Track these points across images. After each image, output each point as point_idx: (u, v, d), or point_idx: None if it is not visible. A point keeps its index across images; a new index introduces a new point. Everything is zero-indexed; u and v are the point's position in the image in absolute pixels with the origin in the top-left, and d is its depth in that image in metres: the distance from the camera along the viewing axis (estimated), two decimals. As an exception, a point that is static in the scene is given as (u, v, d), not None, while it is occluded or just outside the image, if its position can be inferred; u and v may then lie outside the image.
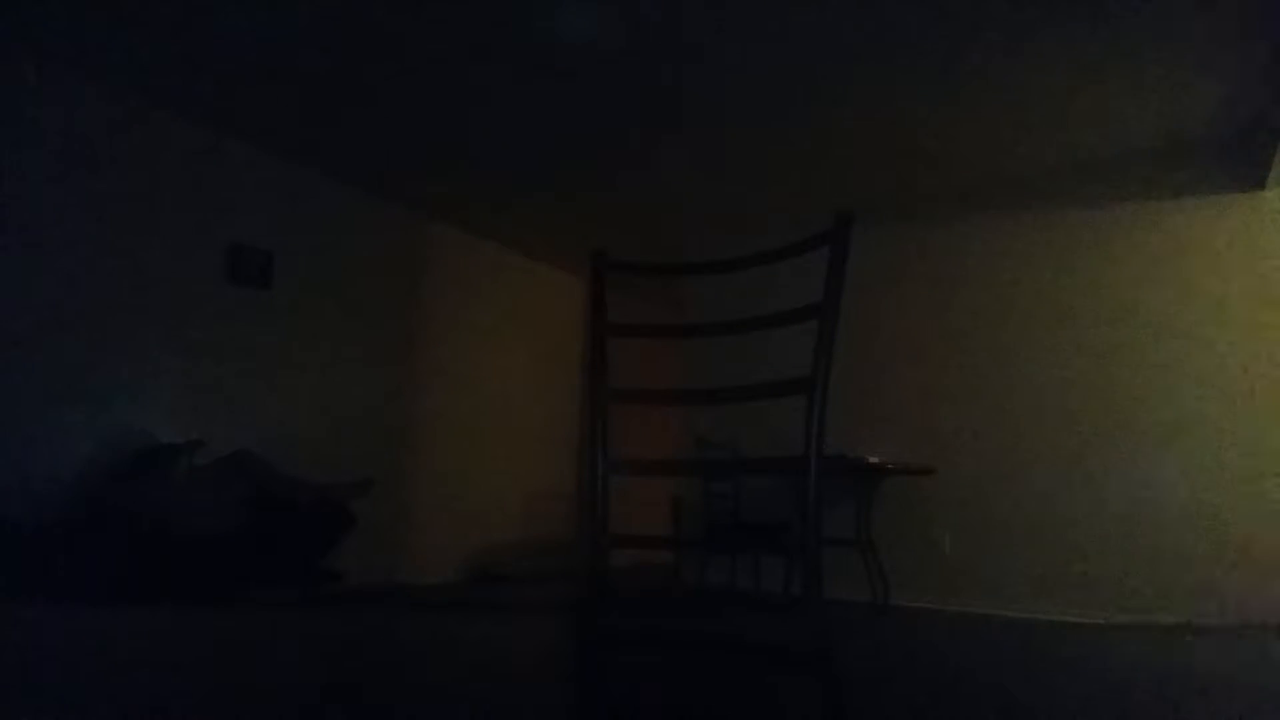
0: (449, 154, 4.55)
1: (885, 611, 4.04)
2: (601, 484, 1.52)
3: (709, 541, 4.77)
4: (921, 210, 4.84)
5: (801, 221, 1.82)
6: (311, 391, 4.58)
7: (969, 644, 3.32)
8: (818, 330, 1.41)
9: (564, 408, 6.38)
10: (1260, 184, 3.89)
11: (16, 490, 3.29)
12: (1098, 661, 2.89)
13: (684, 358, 5.34)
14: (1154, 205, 4.18)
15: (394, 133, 4.33)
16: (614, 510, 1.57)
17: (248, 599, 3.47)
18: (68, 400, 3.61)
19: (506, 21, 3.30)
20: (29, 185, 3.59)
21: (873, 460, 4.12)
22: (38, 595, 3.02)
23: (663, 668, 2.24)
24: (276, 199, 4.55)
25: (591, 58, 3.55)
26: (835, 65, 3.56)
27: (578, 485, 6.28)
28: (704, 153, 4.47)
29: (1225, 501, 3.77)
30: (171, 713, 1.64)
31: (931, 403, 4.63)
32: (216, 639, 2.68)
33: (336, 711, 1.74)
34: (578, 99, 3.92)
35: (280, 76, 3.77)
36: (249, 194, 4.40)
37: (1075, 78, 3.57)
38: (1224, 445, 3.83)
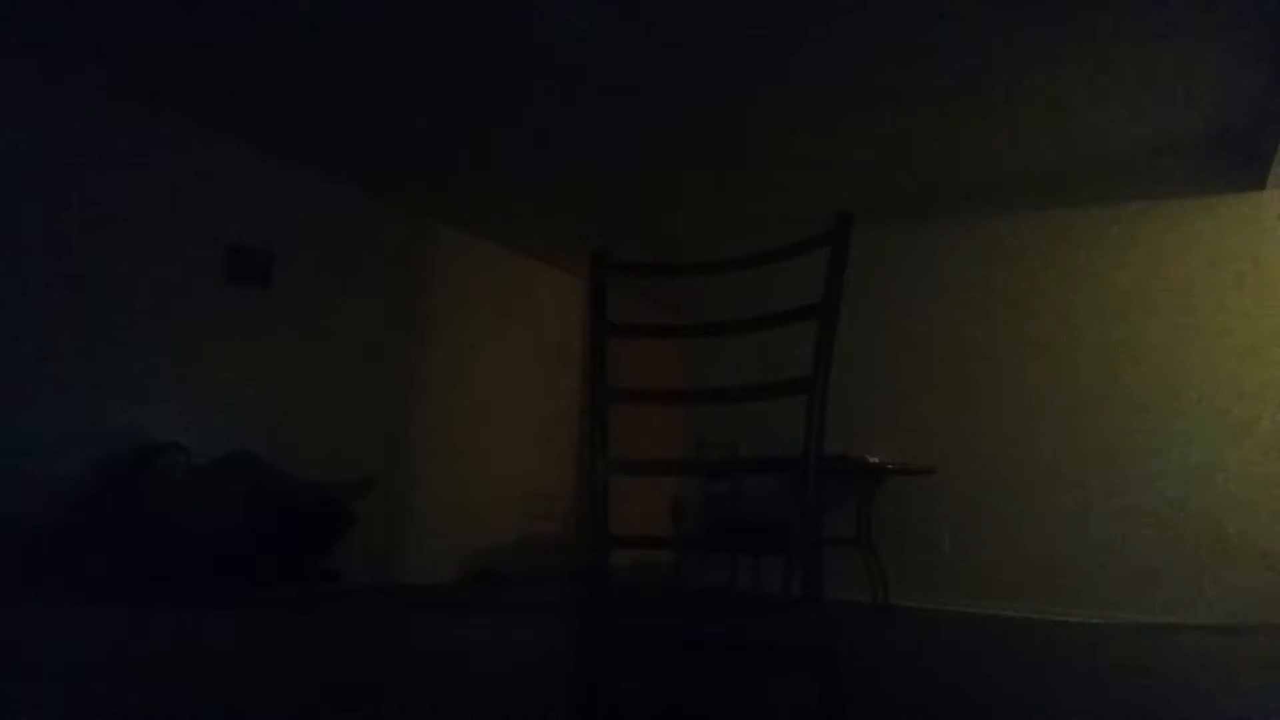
0: (449, 154, 4.55)
1: (885, 611, 4.04)
2: (601, 484, 1.52)
3: (709, 541, 4.77)
4: (922, 210, 4.84)
5: (802, 221, 1.82)
6: (311, 391, 4.58)
7: (969, 644, 3.31)
8: (817, 330, 1.41)
9: (564, 408, 6.38)
10: (1260, 184, 3.89)
11: (16, 490, 3.29)
12: (1098, 661, 2.89)
13: (684, 358, 5.34)
14: (1154, 205, 4.18)
15: (394, 133, 4.33)
16: (614, 510, 1.57)
17: (247, 598, 3.47)
18: (68, 400, 3.61)
19: (506, 21, 3.30)
20: (29, 185, 3.59)
21: (873, 460, 4.11)
22: (38, 595, 3.01)
23: (663, 668, 2.24)
24: (276, 199, 4.55)
25: (592, 57, 3.55)
26: (835, 66, 3.56)
27: (578, 485, 6.28)
28: (705, 153, 4.47)
29: (1225, 501, 3.77)
30: (170, 713, 1.64)
31: (931, 403, 4.63)
32: (215, 639, 2.68)
33: (335, 712, 1.74)
34: (578, 99, 3.91)
35: (280, 77, 3.77)
36: (249, 194, 4.40)
37: (1075, 78, 3.57)
38: (1224, 445, 3.83)
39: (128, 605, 3.04)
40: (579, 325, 6.50)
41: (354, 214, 4.98)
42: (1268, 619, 3.54)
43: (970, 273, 4.66)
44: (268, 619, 3.22)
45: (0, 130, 3.50)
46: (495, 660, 2.56)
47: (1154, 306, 4.11)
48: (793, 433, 1.46)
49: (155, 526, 3.30)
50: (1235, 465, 3.79)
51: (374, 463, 4.53)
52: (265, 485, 3.68)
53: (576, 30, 3.30)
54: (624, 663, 2.16)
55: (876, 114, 3.95)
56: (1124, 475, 4.03)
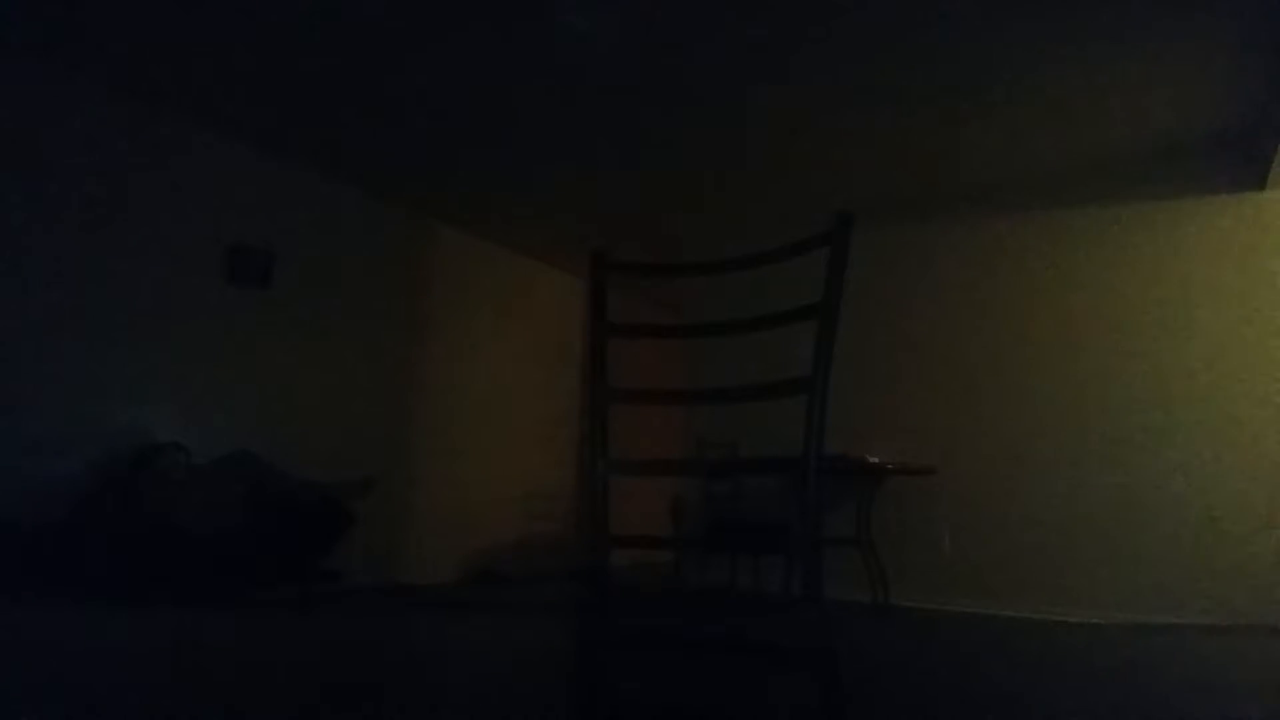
0: (449, 154, 4.55)
1: (885, 611, 4.04)
2: (601, 484, 1.52)
3: (709, 541, 4.77)
4: (922, 210, 4.84)
5: (802, 221, 1.82)
6: (311, 391, 4.58)
7: (969, 644, 3.31)
8: (817, 330, 1.41)
9: (564, 408, 6.38)
10: (1260, 184, 3.89)
11: (16, 490, 3.29)
12: (1097, 661, 2.89)
13: (684, 358, 5.34)
14: (1154, 205, 4.18)
15: (394, 133, 4.32)
16: (614, 510, 1.57)
17: (247, 598, 3.47)
18: (68, 400, 3.61)
19: (506, 21, 3.30)
20: (29, 185, 3.59)
21: (873, 460, 4.11)
22: (38, 595, 3.01)
23: (663, 668, 2.24)
24: (276, 199, 4.55)
25: (592, 57, 3.55)
26: (835, 66, 3.56)
27: (578, 485, 6.28)
28: (705, 153, 4.47)
29: (1224, 501, 3.77)
30: (170, 713, 1.64)
31: (931, 403, 4.63)
32: (215, 639, 2.68)
33: (335, 712, 1.74)
34: (578, 99, 3.91)
35: (280, 77, 3.77)
36: (249, 194, 4.40)
37: (1075, 78, 3.57)
38: (1223, 445, 3.83)
39: (128, 605, 3.03)
40: (579, 325, 6.50)
41: (354, 214, 4.98)
42: (1267, 619, 3.54)
43: (970, 273, 4.66)
44: (268, 619, 3.21)
45: (0, 130, 3.50)
46: (495, 660, 2.56)
47: (1154, 306, 4.11)
48: (793, 433, 1.46)
49: (155, 526, 3.30)
50: (1236, 465, 3.79)
51: (374, 463, 4.53)
52: (265, 485, 3.68)
53: (576, 30, 3.30)
54: (624, 663, 2.16)
55: (876, 114, 3.95)
56: (1124, 475, 4.03)
